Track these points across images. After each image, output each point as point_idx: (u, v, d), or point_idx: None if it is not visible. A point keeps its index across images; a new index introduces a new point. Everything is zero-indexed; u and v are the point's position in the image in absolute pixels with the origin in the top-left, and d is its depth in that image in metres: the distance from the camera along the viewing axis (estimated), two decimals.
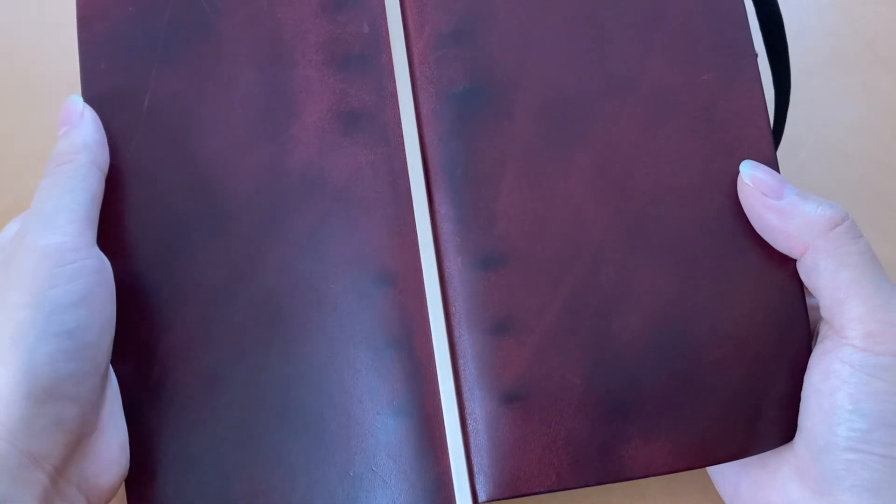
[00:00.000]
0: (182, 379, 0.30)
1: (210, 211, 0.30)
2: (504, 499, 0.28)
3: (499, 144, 0.30)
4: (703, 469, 0.35)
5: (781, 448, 0.29)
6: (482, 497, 0.28)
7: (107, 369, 0.29)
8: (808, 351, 0.29)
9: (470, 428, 0.28)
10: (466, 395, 0.28)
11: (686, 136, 0.30)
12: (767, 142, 0.30)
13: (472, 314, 0.29)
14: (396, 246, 0.30)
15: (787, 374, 0.29)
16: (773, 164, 0.30)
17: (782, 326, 0.29)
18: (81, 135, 0.30)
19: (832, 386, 0.27)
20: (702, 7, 0.30)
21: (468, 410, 0.28)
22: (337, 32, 0.31)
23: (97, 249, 0.29)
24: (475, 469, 0.28)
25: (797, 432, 0.29)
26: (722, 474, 0.33)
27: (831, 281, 0.28)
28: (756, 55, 0.31)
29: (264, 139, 0.30)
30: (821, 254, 0.28)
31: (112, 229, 0.30)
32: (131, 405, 0.30)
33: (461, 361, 0.29)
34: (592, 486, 0.28)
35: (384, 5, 0.31)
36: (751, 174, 0.29)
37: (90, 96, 0.31)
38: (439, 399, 0.29)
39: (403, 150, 0.30)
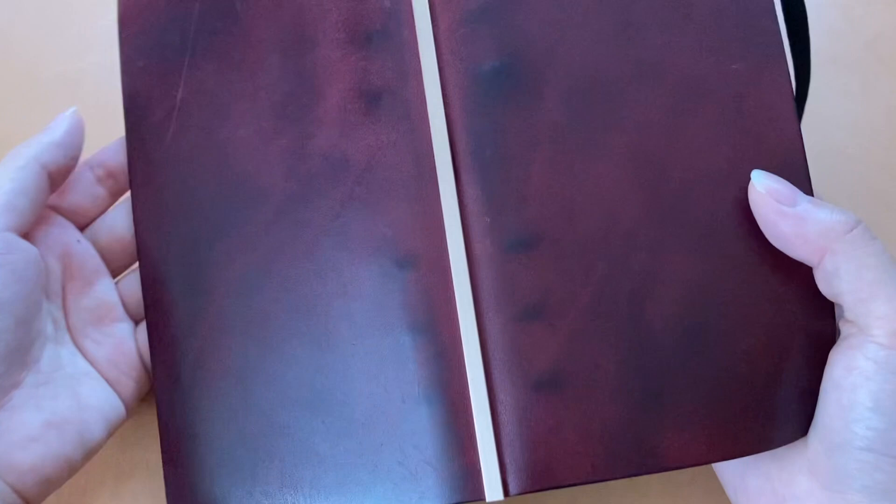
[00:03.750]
0: (213, 370, 0.30)
1: (238, 200, 0.30)
2: (537, 491, 0.27)
3: (529, 124, 0.29)
4: (705, 469, 0.34)
5: (800, 440, 0.29)
6: (514, 489, 0.27)
7: (20, 349, 0.30)
8: (831, 347, 0.29)
9: (500, 417, 0.27)
10: (496, 383, 0.27)
11: (716, 124, 0.29)
12: (795, 133, 0.30)
13: (501, 298, 0.28)
14: (420, 227, 0.29)
15: (808, 369, 0.29)
16: (801, 157, 0.30)
17: (809, 319, 0.29)
18: (42, 134, 0.31)
19: (854, 382, 0.27)
20: None
21: (498, 398, 0.27)
22: (357, 8, 0.30)
23: (10, 234, 0.29)
24: (506, 460, 0.27)
25: (812, 427, 0.29)
26: (728, 467, 0.32)
27: (854, 283, 0.28)
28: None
29: (288, 123, 0.30)
30: (840, 257, 0.28)
31: (148, 222, 0.31)
32: (164, 397, 0.30)
33: (490, 347, 0.28)
34: (629, 477, 0.27)
35: None
36: (763, 183, 0.29)
37: (129, 93, 0.32)
38: (466, 386, 0.27)
39: (428, 128, 0.29)
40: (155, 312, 0.31)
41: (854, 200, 0.44)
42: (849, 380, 0.27)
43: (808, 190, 0.29)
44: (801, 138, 0.30)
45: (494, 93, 0.29)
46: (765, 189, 0.29)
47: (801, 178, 0.29)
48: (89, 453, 0.31)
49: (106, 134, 0.33)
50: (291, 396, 0.29)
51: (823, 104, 0.46)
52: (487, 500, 0.27)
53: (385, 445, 0.28)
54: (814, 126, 0.45)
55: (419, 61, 0.29)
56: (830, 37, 0.48)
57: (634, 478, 0.35)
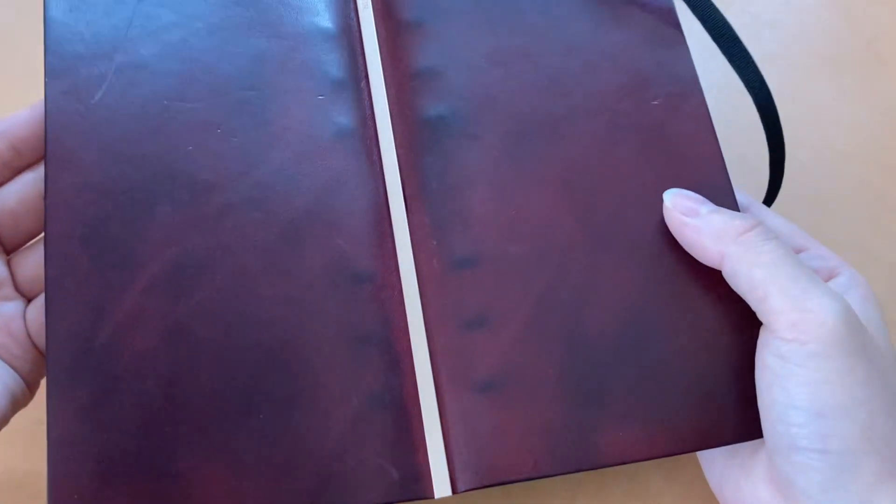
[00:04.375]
0: (130, 350, 0.29)
1: (180, 180, 0.31)
2: (483, 487, 0.29)
3: (470, 161, 0.32)
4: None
5: (758, 448, 0.30)
6: (462, 486, 0.29)
7: None
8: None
9: (448, 418, 0.29)
10: (444, 387, 0.29)
11: (641, 151, 0.33)
12: (716, 153, 0.33)
13: (447, 310, 0.30)
14: (376, 248, 0.31)
15: (741, 369, 0.30)
16: (722, 175, 0.32)
17: (735, 320, 0.30)
18: None
19: (768, 381, 0.28)
20: (647, 49, 0.34)
21: (446, 402, 0.29)
22: (319, 56, 0.34)
23: None
24: (454, 458, 0.29)
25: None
26: (711, 476, 0.33)
27: (748, 282, 0.29)
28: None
29: (243, 128, 0.32)
30: (735, 258, 0.29)
31: (63, 176, 0.30)
32: (68, 371, 0.29)
33: (438, 354, 0.30)
34: (569, 473, 0.29)
35: (362, 40, 0.34)
36: (670, 198, 0.31)
37: (54, 38, 0.32)
38: (417, 391, 0.30)
39: (381, 163, 0.32)
40: (59, 285, 0.29)
41: (854, 200, 0.44)
42: (764, 380, 0.28)
43: (732, 202, 0.32)
44: (722, 157, 0.32)
45: (439, 134, 0.32)
46: (671, 203, 0.31)
47: (724, 192, 0.32)
48: None
49: None
50: (228, 395, 0.29)
51: (823, 104, 0.46)
52: (436, 496, 0.29)
53: (335, 446, 0.29)
54: (814, 126, 0.45)
55: (374, 108, 0.33)
56: (830, 37, 0.48)
57: (633, 479, 0.37)
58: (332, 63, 0.33)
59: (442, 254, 0.31)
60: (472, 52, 0.34)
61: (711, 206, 0.31)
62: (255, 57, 0.33)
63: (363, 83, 0.33)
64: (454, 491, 0.29)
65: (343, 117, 0.33)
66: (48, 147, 0.31)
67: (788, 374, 0.27)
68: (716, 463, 0.33)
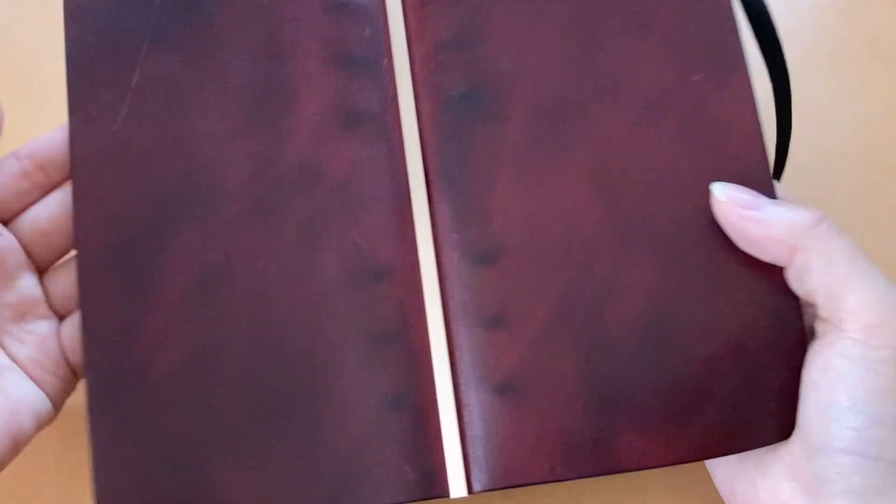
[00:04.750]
0: (162, 365, 0.29)
1: (199, 193, 0.30)
2: (498, 489, 0.28)
3: (495, 145, 0.30)
4: (705, 470, 0.35)
5: (778, 446, 0.30)
6: (477, 487, 0.28)
7: None
8: (803, 348, 0.29)
9: (465, 419, 0.29)
10: (462, 387, 0.29)
11: (677, 135, 0.30)
12: (758, 140, 0.30)
13: (468, 308, 0.29)
14: (394, 241, 0.30)
15: (780, 371, 0.29)
16: (764, 163, 0.30)
17: (775, 322, 0.29)
18: None
19: (830, 381, 0.27)
20: (690, 12, 0.31)
21: (464, 401, 0.29)
22: (339, 33, 0.32)
23: None
24: (470, 459, 0.28)
25: (795, 430, 0.29)
26: (720, 473, 0.33)
27: (825, 277, 0.28)
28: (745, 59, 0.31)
29: (259, 128, 0.31)
30: (811, 253, 0.28)
31: (90, 201, 0.30)
32: (97, 395, 0.29)
33: (457, 354, 0.29)
34: (585, 477, 0.28)
35: (385, 11, 0.32)
36: (724, 192, 0.29)
37: (75, 66, 0.31)
38: (434, 391, 0.29)
39: (403, 149, 0.31)
40: (93, 306, 0.29)
41: (854, 200, 0.44)
42: (825, 379, 0.27)
43: (771, 195, 0.30)
44: (764, 145, 0.30)
45: (464, 117, 0.31)
46: (726, 198, 0.29)
47: (764, 184, 0.30)
48: (17, 447, 0.29)
49: None
50: (252, 401, 0.29)
51: (823, 104, 0.46)
52: (452, 496, 0.28)
53: (352, 447, 0.29)
54: (814, 126, 0.45)
55: (396, 88, 0.31)
56: (830, 37, 0.48)
57: (634, 480, 0.36)
58: (354, 40, 0.32)
59: (462, 247, 0.30)
60: (502, 20, 0.32)
61: (766, 198, 0.29)
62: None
63: (385, 61, 0.32)
64: (469, 491, 0.28)
65: (364, 100, 0.31)
66: (74, 177, 0.31)
67: (855, 378, 0.27)
68: (726, 460, 0.32)
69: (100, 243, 0.30)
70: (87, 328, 0.29)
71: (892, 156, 0.45)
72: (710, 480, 0.34)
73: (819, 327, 0.29)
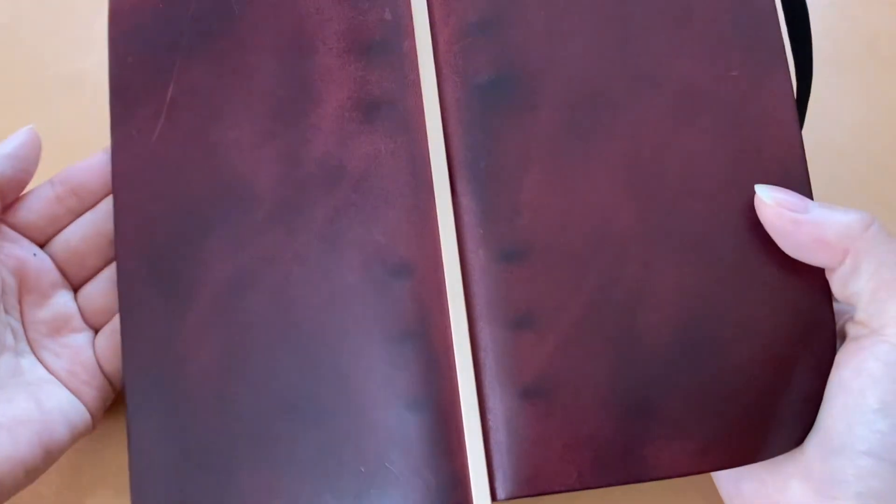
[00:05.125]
0: (193, 373, 0.29)
1: (229, 198, 0.30)
2: (523, 497, 0.27)
3: (524, 136, 0.29)
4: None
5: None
6: (501, 495, 0.27)
7: None
8: (833, 352, 0.29)
9: (489, 424, 0.28)
10: (486, 390, 0.28)
11: (713, 132, 0.29)
12: (796, 140, 0.29)
13: (493, 307, 0.28)
14: (416, 237, 0.29)
15: (810, 377, 0.29)
16: (802, 164, 0.29)
17: (808, 328, 0.29)
18: None
19: (862, 384, 0.27)
20: (730, 6, 0.30)
21: (488, 405, 0.28)
22: (358, 19, 0.31)
23: None
24: (494, 466, 0.27)
25: (813, 430, 0.28)
26: (723, 472, 0.32)
27: (873, 281, 0.28)
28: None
29: (284, 128, 0.30)
30: (862, 255, 0.28)
31: (130, 215, 0.31)
32: (136, 400, 0.30)
33: (481, 355, 0.28)
34: (614, 486, 0.28)
35: None
36: (771, 195, 0.29)
37: (116, 88, 0.32)
38: (457, 393, 0.28)
39: (425, 138, 0.29)
40: (131, 313, 0.30)
41: (854, 200, 0.44)
42: (857, 382, 0.27)
43: (809, 196, 0.29)
44: (802, 145, 0.30)
45: (490, 105, 0.29)
46: (773, 201, 0.28)
47: (802, 186, 0.29)
48: (51, 456, 0.30)
49: (105, 134, 0.33)
50: (276, 404, 0.29)
51: (823, 104, 0.46)
52: None
53: (370, 450, 0.28)
54: (814, 126, 0.45)
55: (418, 73, 0.30)
56: (830, 37, 0.48)
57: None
58: (374, 24, 0.30)
59: (488, 244, 0.29)
60: (533, 4, 0.30)
61: (811, 201, 0.29)
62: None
63: (407, 44, 0.30)
64: (493, 500, 0.27)
65: (384, 87, 0.30)
66: (115, 194, 0.31)
67: (888, 381, 0.27)
68: None
69: (138, 252, 0.31)
70: (127, 334, 0.30)
71: (892, 156, 0.45)
72: (710, 480, 0.34)
73: (853, 330, 0.29)
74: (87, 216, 0.34)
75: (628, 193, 0.29)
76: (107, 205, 0.34)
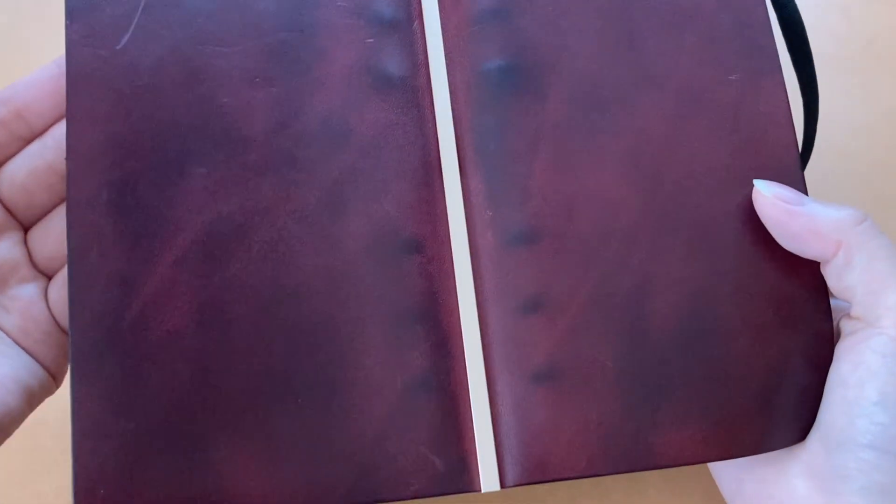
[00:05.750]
0: (161, 330, 0.27)
1: (214, 134, 0.28)
2: (532, 483, 0.27)
3: (532, 124, 0.29)
4: (705, 469, 0.34)
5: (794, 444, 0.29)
6: (510, 481, 0.27)
7: None
8: (831, 346, 0.29)
9: (498, 408, 0.27)
10: (495, 374, 0.27)
11: (713, 131, 0.30)
12: (791, 141, 0.30)
13: (502, 290, 0.28)
14: (426, 214, 0.28)
15: (809, 369, 0.29)
16: (796, 163, 0.30)
17: (807, 320, 0.29)
18: None
19: (861, 377, 0.27)
20: (728, 14, 0.31)
21: (497, 389, 0.27)
22: None
23: None
24: (503, 451, 0.27)
25: (814, 426, 0.28)
26: (725, 471, 0.32)
27: (866, 273, 0.28)
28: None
29: (282, 74, 0.29)
30: (854, 248, 0.28)
31: (87, 128, 0.28)
32: (89, 358, 0.26)
33: (490, 338, 0.28)
34: (622, 473, 0.27)
35: None
36: (768, 189, 0.29)
37: None
38: (465, 375, 0.27)
39: (434, 119, 0.29)
40: (83, 253, 0.27)
41: (854, 200, 0.44)
42: (856, 375, 0.27)
43: (804, 193, 0.30)
44: (797, 146, 0.30)
45: (499, 90, 0.29)
46: (771, 194, 0.29)
47: (797, 183, 0.30)
48: (6, 426, 0.27)
49: None
50: (261, 376, 0.27)
51: (823, 104, 0.46)
52: (483, 490, 0.27)
53: (376, 432, 0.27)
54: None
55: (427, 55, 0.30)
56: (830, 37, 0.48)
57: (634, 479, 0.35)
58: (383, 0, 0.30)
59: (497, 226, 0.28)
60: None
61: (807, 196, 0.29)
62: None
63: (416, 24, 0.30)
64: (502, 485, 0.27)
65: (393, 63, 0.29)
66: (69, 100, 0.28)
67: (887, 373, 0.27)
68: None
69: (96, 180, 0.27)
70: (76, 278, 0.26)
71: (892, 156, 0.45)
72: (711, 480, 0.34)
73: (848, 325, 0.29)
74: (35, 145, 0.29)
75: (633, 185, 0.29)
76: (59, 130, 0.29)
